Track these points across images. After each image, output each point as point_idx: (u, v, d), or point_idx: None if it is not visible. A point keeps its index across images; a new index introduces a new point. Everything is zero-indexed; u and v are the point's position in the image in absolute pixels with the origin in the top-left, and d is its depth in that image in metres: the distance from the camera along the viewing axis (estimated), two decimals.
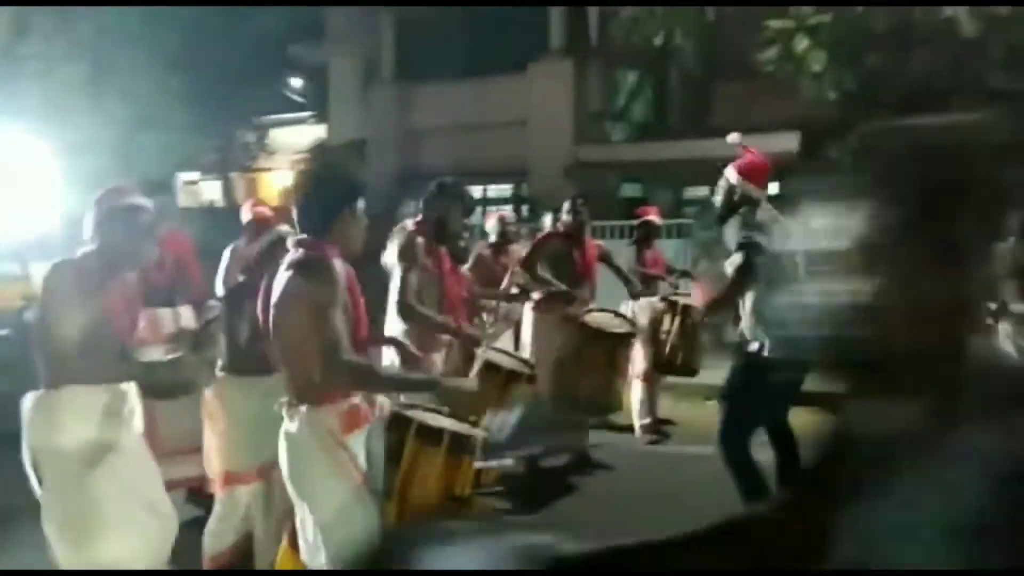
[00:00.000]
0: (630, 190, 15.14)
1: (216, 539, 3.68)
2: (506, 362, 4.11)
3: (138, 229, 3.04)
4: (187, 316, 4.46)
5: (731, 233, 4.04)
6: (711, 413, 7.10)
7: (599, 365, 5.11)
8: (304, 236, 2.67)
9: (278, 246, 3.85)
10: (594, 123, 15.11)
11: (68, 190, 11.08)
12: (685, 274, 7.25)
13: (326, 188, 2.69)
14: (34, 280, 7.20)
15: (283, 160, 21.71)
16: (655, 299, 6.28)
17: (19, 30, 12.65)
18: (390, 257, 4.02)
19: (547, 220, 6.22)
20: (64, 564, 2.89)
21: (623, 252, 6.72)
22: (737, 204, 4.13)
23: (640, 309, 6.24)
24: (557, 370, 5.10)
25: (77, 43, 13.01)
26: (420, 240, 4.03)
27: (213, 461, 3.73)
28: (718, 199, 4.30)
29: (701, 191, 14.20)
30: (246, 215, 5.43)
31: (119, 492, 2.90)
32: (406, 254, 3.97)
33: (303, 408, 2.53)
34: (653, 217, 6.93)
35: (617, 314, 5.69)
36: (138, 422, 3.14)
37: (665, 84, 15.56)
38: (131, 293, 3.15)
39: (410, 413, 2.59)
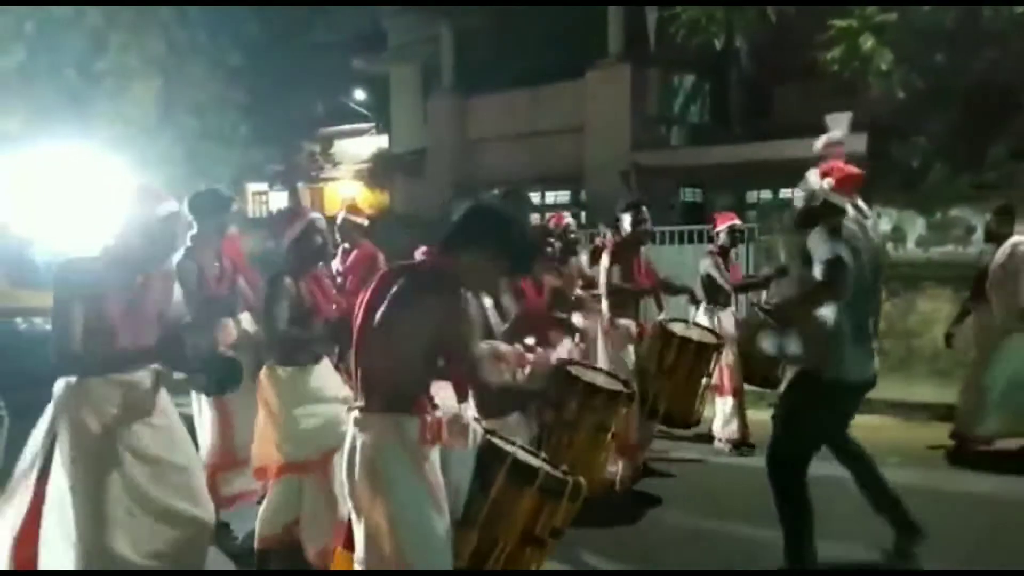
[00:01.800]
0: (689, 195, 14.98)
1: (267, 525, 3.75)
2: (601, 381, 3.99)
3: (160, 238, 3.09)
4: (247, 322, 4.55)
5: (814, 242, 3.72)
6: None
7: (685, 376, 4.95)
8: (437, 248, 2.65)
9: (311, 233, 3.92)
10: (652, 128, 14.99)
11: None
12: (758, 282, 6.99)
13: (492, 224, 2.61)
14: None
15: (347, 170, 22.14)
16: (734, 309, 6.24)
17: (96, 48, 13.14)
18: None
19: (607, 233, 6.09)
20: (78, 550, 2.90)
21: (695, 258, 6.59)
22: (819, 212, 3.82)
23: (725, 318, 6.15)
24: (638, 380, 4.98)
25: (150, 60, 13.46)
26: None
27: (269, 449, 3.78)
28: (798, 203, 4.02)
29: (764, 194, 13.97)
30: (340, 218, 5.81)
31: (127, 489, 2.94)
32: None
33: (387, 415, 2.50)
34: (738, 222, 6.63)
35: (697, 324, 5.60)
36: (166, 416, 3.16)
37: (724, 87, 15.34)
38: (155, 292, 3.15)
39: (506, 447, 2.56)
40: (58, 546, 2.93)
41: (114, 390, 2.98)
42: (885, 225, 5.99)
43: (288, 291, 3.73)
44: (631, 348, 5.27)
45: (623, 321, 5.30)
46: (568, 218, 5.94)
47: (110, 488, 2.91)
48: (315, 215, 4.00)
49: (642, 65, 14.57)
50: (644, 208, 5.45)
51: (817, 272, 3.60)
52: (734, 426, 6.18)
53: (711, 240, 6.69)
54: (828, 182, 3.82)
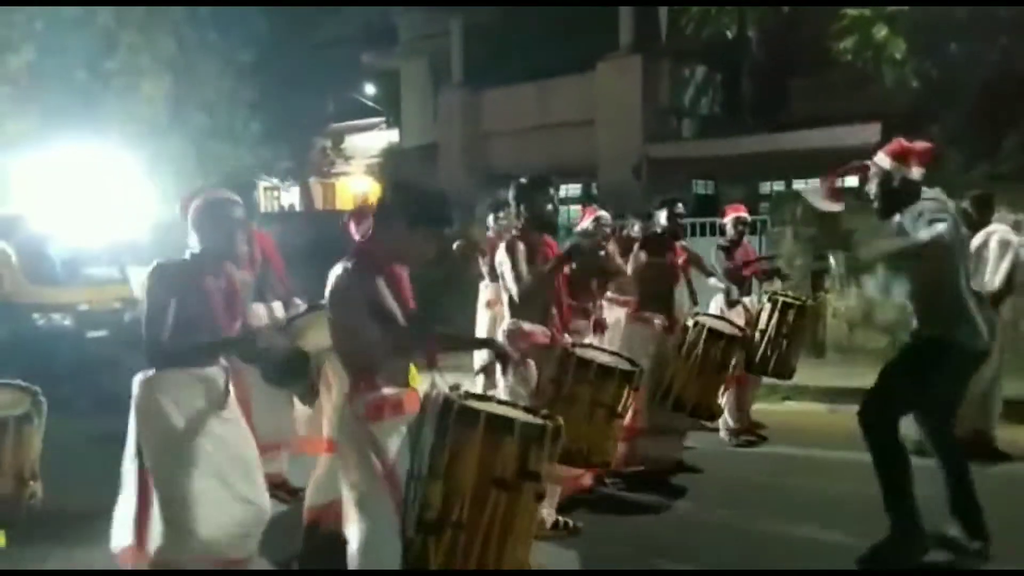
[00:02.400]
0: (701, 187, 14.92)
1: (318, 493, 3.86)
2: (606, 359, 4.01)
3: (232, 222, 3.26)
4: (278, 311, 4.64)
5: (910, 223, 3.55)
6: (790, 413, 7.00)
7: (710, 368, 4.93)
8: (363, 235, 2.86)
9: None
10: (664, 120, 14.93)
11: (152, 199, 11.60)
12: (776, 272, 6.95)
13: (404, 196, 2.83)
14: (131, 283, 7.54)
15: (358, 165, 22.17)
16: (747, 299, 6.18)
17: (106, 47, 13.20)
18: (500, 258, 4.09)
19: (636, 225, 6.06)
20: (163, 524, 3.07)
21: (702, 249, 6.54)
22: (898, 192, 3.69)
23: (734, 314, 6.05)
24: (662, 372, 4.99)
25: (160, 59, 13.51)
26: (522, 246, 4.06)
27: (322, 422, 3.89)
28: (872, 190, 3.85)
29: (777, 186, 13.90)
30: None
31: (205, 469, 3.09)
32: (512, 252, 4.03)
33: (348, 394, 2.76)
34: (745, 214, 6.60)
35: (720, 317, 5.56)
36: (234, 411, 3.30)
37: (736, 78, 15.26)
38: (233, 287, 3.34)
39: (456, 397, 2.61)
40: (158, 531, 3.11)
41: (189, 381, 3.16)
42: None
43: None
44: (651, 348, 5.20)
45: (651, 315, 5.28)
46: (601, 210, 5.91)
47: (192, 468, 3.07)
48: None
49: (653, 56, 14.51)
50: (680, 204, 5.46)
51: (924, 234, 3.45)
52: (736, 416, 6.11)
53: (723, 233, 6.67)
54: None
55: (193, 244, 3.26)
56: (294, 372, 3.29)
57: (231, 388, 3.32)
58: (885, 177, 3.72)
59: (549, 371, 3.88)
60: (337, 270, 2.75)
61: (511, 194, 4.23)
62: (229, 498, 3.14)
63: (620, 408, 3.90)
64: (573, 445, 3.76)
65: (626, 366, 3.97)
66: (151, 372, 3.15)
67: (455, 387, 2.72)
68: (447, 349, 3.38)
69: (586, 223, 5.62)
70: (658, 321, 5.30)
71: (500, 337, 4.10)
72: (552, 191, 4.26)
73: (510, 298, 4.07)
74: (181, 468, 3.07)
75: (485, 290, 7.25)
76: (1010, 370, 5.80)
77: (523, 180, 4.19)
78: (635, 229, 5.90)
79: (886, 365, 3.94)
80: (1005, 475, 5.11)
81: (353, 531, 2.68)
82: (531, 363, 3.94)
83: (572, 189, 16.05)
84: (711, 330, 4.94)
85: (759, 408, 6.57)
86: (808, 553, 4.06)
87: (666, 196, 5.64)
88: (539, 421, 2.60)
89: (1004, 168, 9.19)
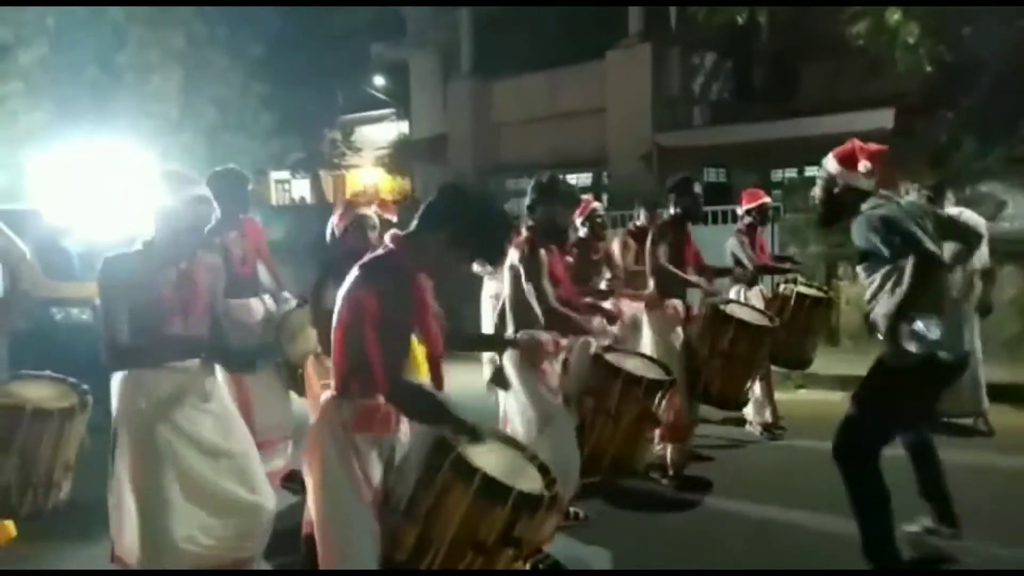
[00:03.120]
0: (713, 175, 14.85)
1: None
2: (640, 367, 3.94)
3: (194, 223, 3.06)
4: (271, 305, 4.63)
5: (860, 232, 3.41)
6: (804, 402, 6.97)
7: (738, 358, 4.80)
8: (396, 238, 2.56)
9: (353, 227, 3.99)
10: (674, 108, 14.85)
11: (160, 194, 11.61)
12: (786, 260, 6.87)
13: (461, 206, 2.50)
14: None
15: (368, 157, 22.19)
16: (761, 287, 6.09)
17: (117, 42, 13.24)
18: (511, 259, 3.88)
19: (641, 213, 5.99)
20: (139, 533, 2.95)
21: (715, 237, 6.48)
22: (838, 199, 3.53)
23: (753, 297, 5.97)
24: (688, 362, 4.89)
25: (169, 53, 13.54)
26: (535, 246, 3.92)
27: None
28: (815, 194, 3.70)
29: (789, 173, 13.82)
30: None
31: (182, 474, 2.96)
32: (525, 258, 3.85)
33: (334, 396, 2.51)
34: (768, 200, 6.41)
35: (747, 304, 5.45)
36: (219, 408, 3.17)
37: (748, 64, 15.16)
38: (192, 278, 3.14)
39: (455, 440, 2.37)
40: (129, 536, 3.00)
41: (167, 378, 3.02)
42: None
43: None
44: (679, 329, 5.13)
45: (671, 301, 5.16)
46: (595, 202, 5.87)
47: (167, 476, 2.93)
48: (362, 211, 4.09)
49: (663, 44, 14.43)
50: (695, 184, 5.24)
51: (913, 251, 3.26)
52: (767, 410, 6.06)
53: (737, 220, 6.60)
54: (865, 166, 3.49)
55: (149, 230, 3.08)
56: (254, 364, 3.16)
57: (217, 378, 3.22)
58: (828, 181, 3.55)
59: (585, 381, 3.79)
60: (363, 272, 2.46)
61: (530, 188, 4.01)
62: (216, 500, 3.01)
63: (659, 414, 3.86)
64: (609, 459, 3.80)
65: (664, 375, 3.89)
66: (123, 373, 3.02)
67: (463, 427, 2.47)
68: (458, 348, 3.09)
69: (579, 217, 5.56)
70: (679, 305, 5.17)
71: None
72: (573, 201, 4.10)
73: (517, 306, 3.83)
74: (157, 474, 2.92)
75: (490, 283, 7.21)
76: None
77: (541, 180, 3.97)
78: (641, 218, 5.83)
79: (866, 394, 3.73)
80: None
81: (325, 536, 2.44)
82: (545, 368, 3.82)
83: (583, 179, 16.01)
84: (740, 321, 4.81)
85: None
86: (823, 543, 4.05)
87: (681, 176, 5.45)
88: (538, 491, 2.36)
89: (1020, 151, 9.09)
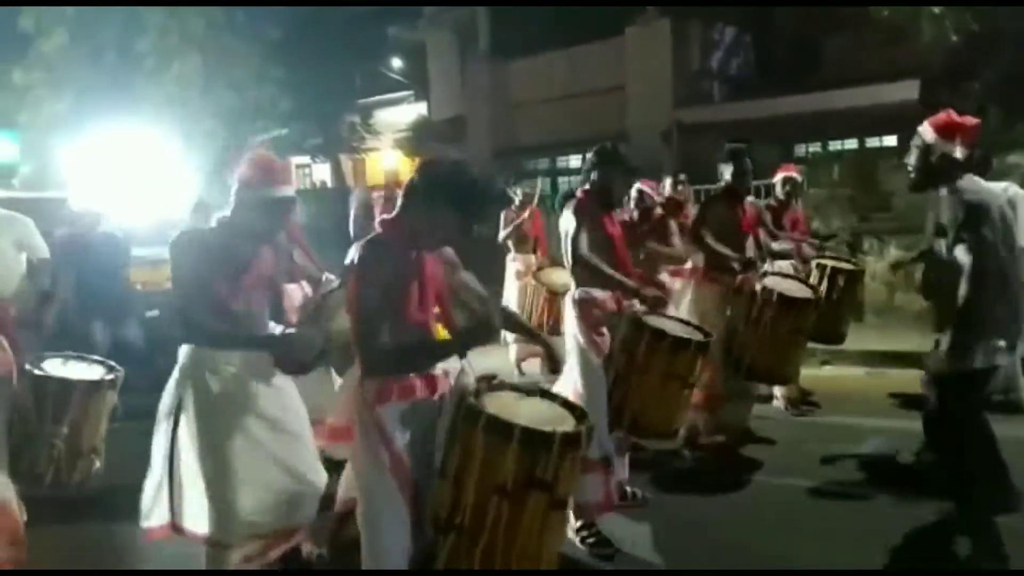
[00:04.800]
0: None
1: (350, 487, 3.85)
2: (677, 329, 3.89)
3: (274, 216, 3.12)
4: (309, 291, 4.67)
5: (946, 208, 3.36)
6: (829, 378, 6.93)
7: (783, 332, 4.70)
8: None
9: (363, 209, 4.01)
10: (695, 84, 14.71)
11: (185, 179, 11.74)
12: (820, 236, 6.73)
13: (437, 176, 2.60)
14: None
15: (387, 140, 22.17)
16: (794, 262, 5.87)
17: (136, 29, 13.31)
18: (565, 223, 3.97)
19: (667, 183, 5.91)
20: (210, 505, 3.04)
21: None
22: (935, 168, 3.44)
23: (781, 264, 5.83)
24: (733, 338, 4.80)
25: (189, 38, 13.59)
26: (588, 209, 3.98)
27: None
28: (910, 160, 3.58)
29: (813, 147, 13.66)
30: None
31: (250, 446, 3.04)
32: (582, 215, 3.93)
33: (361, 378, 2.59)
34: (796, 173, 6.33)
35: (790, 276, 5.31)
36: (283, 381, 3.23)
37: (768, 38, 14.95)
38: (267, 267, 3.23)
39: (471, 391, 2.45)
40: (195, 507, 3.09)
41: (233, 355, 3.09)
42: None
43: None
44: (725, 303, 5.02)
45: (718, 275, 5.07)
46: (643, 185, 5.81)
47: (235, 448, 3.03)
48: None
49: (683, 19, 14.27)
50: (747, 157, 5.17)
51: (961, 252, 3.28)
52: (794, 385, 5.92)
53: (766, 195, 6.49)
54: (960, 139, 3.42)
55: (227, 215, 3.13)
56: (310, 362, 3.16)
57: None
58: (925, 150, 3.50)
59: (620, 339, 3.80)
60: (358, 245, 2.59)
61: (591, 155, 4.10)
62: (277, 474, 3.09)
63: (692, 378, 3.82)
64: (643, 417, 3.76)
65: (699, 336, 3.86)
66: (190, 348, 3.09)
67: (487, 377, 2.57)
68: (509, 330, 3.08)
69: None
70: (728, 279, 5.03)
71: (569, 305, 4.00)
72: (629, 174, 4.16)
73: (579, 265, 3.91)
74: (227, 447, 3.02)
75: (513, 262, 7.22)
76: None
77: (605, 147, 4.08)
78: (666, 189, 5.79)
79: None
80: None
81: (360, 521, 2.58)
82: (604, 331, 3.87)
83: None
84: (781, 295, 4.71)
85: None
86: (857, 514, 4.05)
87: (732, 146, 5.38)
88: (547, 428, 2.36)
89: None
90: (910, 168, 3.62)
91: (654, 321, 3.85)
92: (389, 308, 2.51)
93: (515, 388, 2.67)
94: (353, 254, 2.55)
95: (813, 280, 5.53)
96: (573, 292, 4.00)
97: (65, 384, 3.53)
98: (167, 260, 3.08)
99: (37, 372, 3.55)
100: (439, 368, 2.62)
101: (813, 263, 5.76)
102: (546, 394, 2.69)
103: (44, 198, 8.43)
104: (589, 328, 3.85)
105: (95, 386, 3.58)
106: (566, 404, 2.64)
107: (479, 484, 2.33)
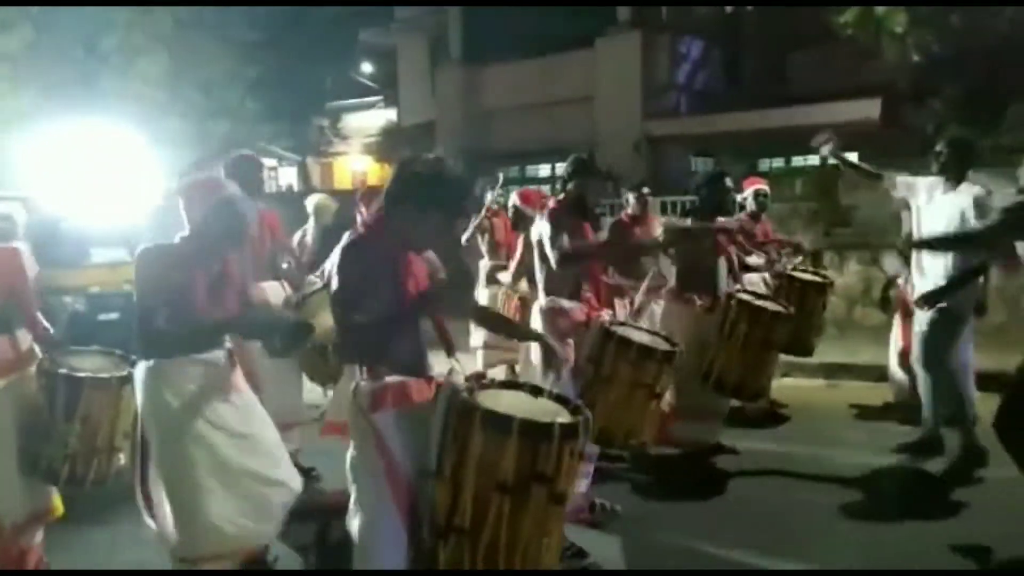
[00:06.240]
0: (701, 164, 14.89)
1: None
2: (645, 339, 3.86)
3: (235, 223, 3.11)
4: (288, 289, 4.67)
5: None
6: (789, 388, 7.03)
7: (753, 346, 4.65)
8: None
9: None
10: (663, 96, 14.86)
11: (151, 179, 11.57)
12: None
13: (415, 176, 2.61)
14: None
15: (356, 144, 22.09)
16: (766, 275, 5.89)
17: (103, 25, 13.12)
18: (539, 230, 3.99)
19: (630, 199, 5.97)
20: (175, 522, 3.03)
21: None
22: None
23: (752, 285, 5.72)
24: (705, 351, 4.75)
25: (156, 36, 13.44)
26: (561, 217, 3.98)
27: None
28: None
29: (776, 162, 13.88)
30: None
31: (213, 460, 3.01)
32: (556, 224, 3.92)
33: (355, 383, 2.58)
34: (765, 186, 6.35)
35: (759, 294, 5.23)
36: (243, 394, 3.23)
37: (736, 53, 15.18)
38: (234, 271, 3.24)
39: (463, 388, 2.41)
40: (168, 521, 3.08)
41: (192, 369, 3.06)
42: (899, 193, 5.88)
43: None
44: (694, 323, 4.95)
45: (689, 295, 5.02)
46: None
47: (198, 461, 2.99)
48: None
49: (653, 31, 14.42)
50: (727, 179, 5.10)
51: None
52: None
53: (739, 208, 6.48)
54: None
55: (187, 228, 3.12)
56: (296, 340, 3.10)
57: (239, 370, 3.25)
58: None
59: (587, 349, 3.79)
60: (342, 245, 2.58)
61: (566, 165, 4.12)
62: (246, 483, 3.06)
63: (659, 389, 3.81)
64: (610, 426, 3.72)
65: (665, 346, 3.85)
66: (152, 362, 3.06)
67: (476, 376, 2.55)
68: (492, 330, 3.05)
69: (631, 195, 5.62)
70: (699, 301, 5.02)
71: (535, 315, 4.00)
72: (604, 182, 4.21)
73: (546, 274, 3.95)
74: (188, 463, 2.98)
75: (485, 268, 7.24)
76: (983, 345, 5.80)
77: (581, 157, 4.12)
78: (631, 206, 5.84)
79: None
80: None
81: (354, 527, 2.53)
82: (570, 342, 3.87)
83: None
84: (753, 307, 4.70)
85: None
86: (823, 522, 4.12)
87: (713, 171, 5.42)
88: (545, 420, 2.33)
89: (1007, 140, 9.16)
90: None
91: (622, 331, 3.87)
92: (373, 308, 2.49)
93: (505, 385, 2.66)
94: (336, 255, 2.55)
95: (783, 292, 5.56)
96: (541, 301, 4.00)
97: (72, 380, 3.48)
98: (126, 262, 3.05)
99: (47, 368, 3.52)
100: (435, 371, 2.61)
101: (785, 275, 5.80)
102: (536, 389, 2.64)
103: (2, 197, 8.25)
104: (557, 338, 3.79)
105: (104, 382, 3.52)
106: (558, 398, 2.60)
107: (478, 481, 2.29)
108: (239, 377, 3.26)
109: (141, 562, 3.69)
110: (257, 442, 3.17)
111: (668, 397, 4.66)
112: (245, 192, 4.14)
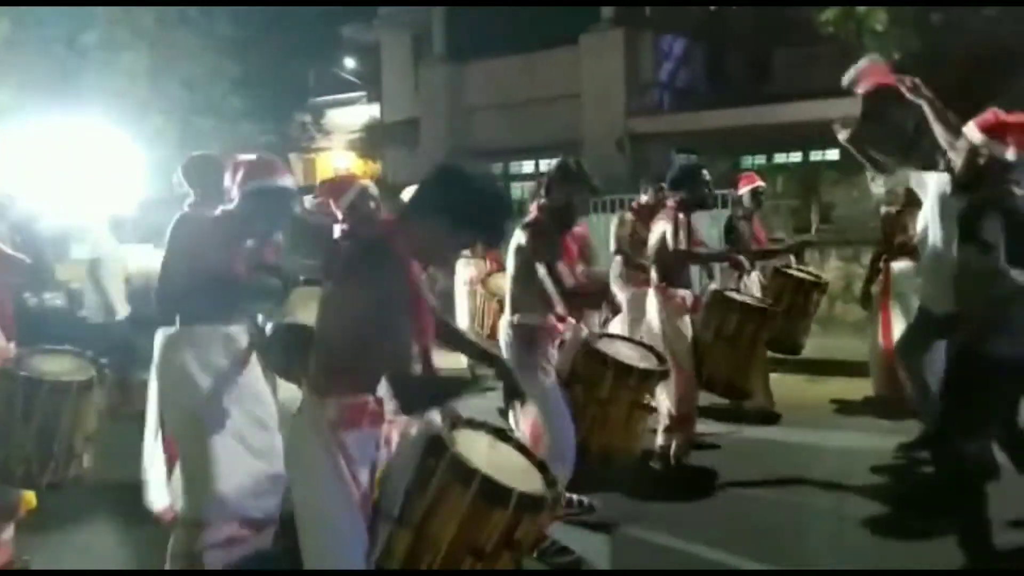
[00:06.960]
0: (684, 161, 14.92)
1: None
2: (632, 356, 3.85)
3: (279, 213, 3.22)
4: None
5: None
6: (776, 384, 7.07)
7: (742, 345, 4.62)
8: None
9: (360, 199, 4.08)
10: (647, 93, 14.90)
11: (132, 175, 11.49)
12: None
13: (460, 189, 2.31)
14: (124, 261, 7.42)
15: (339, 140, 21.99)
16: (758, 273, 5.93)
17: (85, 20, 13.00)
18: (518, 241, 3.80)
19: (649, 190, 6.02)
20: (184, 485, 3.09)
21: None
22: (985, 170, 3.24)
23: (750, 283, 5.76)
24: (695, 351, 4.69)
25: (138, 32, 13.33)
26: (545, 227, 3.81)
27: None
28: (956, 164, 3.42)
29: (759, 160, 13.95)
30: None
31: (224, 430, 3.06)
32: (538, 238, 3.75)
33: (314, 394, 2.29)
34: (762, 184, 6.27)
35: (745, 292, 5.28)
36: (254, 368, 3.27)
37: (720, 51, 15.23)
38: (269, 256, 3.36)
39: (449, 439, 2.19)
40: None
41: (215, 337, 3.13)
42: (879, 188, 5.94)
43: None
44: (687, 318, 4.83)
45: (679, 291, 4.84)
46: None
47: (213, 431, 3.04)
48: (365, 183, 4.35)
49: (636, 29, 14.45)
50: (704, 172, 5.00)
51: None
52: (760, 397, 5.89)
53: (723, 205, 6.49)
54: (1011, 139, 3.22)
55: (231, 205, 3.18)
56: (296, 348, 3.13)
57: (252, 353, 3.29)
58: (973, 152, 3.30)
59: (576, 368, 3.73)
60: (362, 247, 2.31)
61: (550, 170, 3.92)
62: (250, 457, 3.11)
63: (642, 401, 3.79)
64: (605, 448, 3.74)
65: (657, 364, 3.84)
66: (173, 329, 3.12)
67: (452, 416, 2.31)
68: (450, 346, 2.69)
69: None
70: (683, 294, 4.85)
71: (504, 331, 3.83)
72: (592, 189, 3.96)
73: (517, 287, 3.76)
74: (203, 427, 3.03)
75: (464, 268, 7.15)
76: None
77: (568, 163, 3.88)
78: (646, 196, 5.92)
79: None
80: None
81: (309, 555, 2.24)
82: (544, 352, 3.75)
83: None
84: (743, 305, 4.69)
85: None
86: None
87: (692, 164, 5.36)
88: (540, 492, 2.22)
89: None
90: (956, 174, 3.45)
91: (604, 346, 3.84)
92: (386, 317, 2.22)
93: (480, 427, 2.44)
94: (351, 253, 2.33)
95: (776, 290, 5.60)
96: (511, 317, 3.81)
97: (31, 383, 3.45)
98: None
99: (9, 370, 3.49)
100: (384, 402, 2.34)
101: (777, 272, 5.81)
102: (508, 437, 2.49)
103: None
104: (528, 353, 3.70)
105: (64, 386, 3.48)
106: (525, 451, 2.46)
107: (454, 543, 2.14)
108: (253, 359, 3.30)
109: (128, 563, 3.70)
110: (260, 417, 3.22)
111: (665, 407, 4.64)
112: (206, 193, 4.14)
